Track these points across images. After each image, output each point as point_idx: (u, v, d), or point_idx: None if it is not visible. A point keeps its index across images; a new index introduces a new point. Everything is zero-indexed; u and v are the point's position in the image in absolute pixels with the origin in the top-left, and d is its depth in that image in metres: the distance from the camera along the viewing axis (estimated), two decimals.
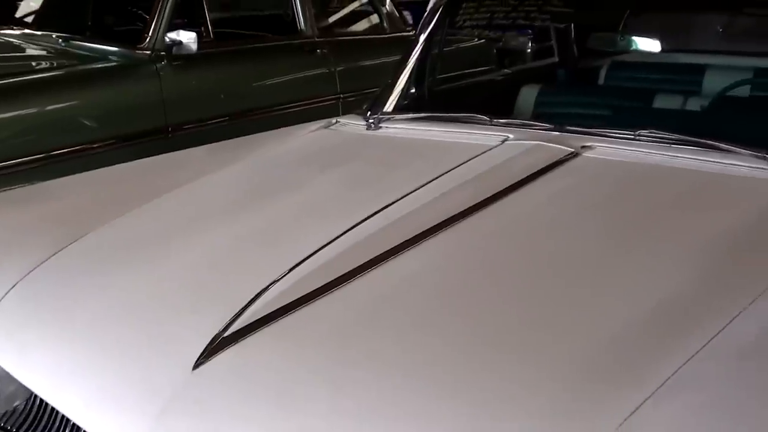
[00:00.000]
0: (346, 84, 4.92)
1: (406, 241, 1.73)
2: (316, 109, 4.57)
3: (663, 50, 3.55)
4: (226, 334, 1.46)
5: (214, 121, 4.20)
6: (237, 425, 1.32)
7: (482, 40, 5.56)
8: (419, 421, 1.27)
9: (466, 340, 1.43)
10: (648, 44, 3.54)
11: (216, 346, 1.44)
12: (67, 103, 3.95)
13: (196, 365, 1.41)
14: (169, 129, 4.06)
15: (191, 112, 4.15)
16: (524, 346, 1.40)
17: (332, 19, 5.76)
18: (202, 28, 4.50)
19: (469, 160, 2.21)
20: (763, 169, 2.10)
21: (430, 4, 3.26)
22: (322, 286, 1.57)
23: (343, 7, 5.96)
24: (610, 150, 2.26)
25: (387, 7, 5.54)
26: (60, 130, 3.84)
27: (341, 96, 4.87)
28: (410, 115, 2.73)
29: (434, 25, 3.12)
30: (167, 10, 4.18)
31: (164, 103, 4.06)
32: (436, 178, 2.09)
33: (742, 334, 1.39)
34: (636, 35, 3.56)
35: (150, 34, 4.18)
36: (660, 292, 1.54)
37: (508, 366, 1.36)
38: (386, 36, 5.47)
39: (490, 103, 2.97)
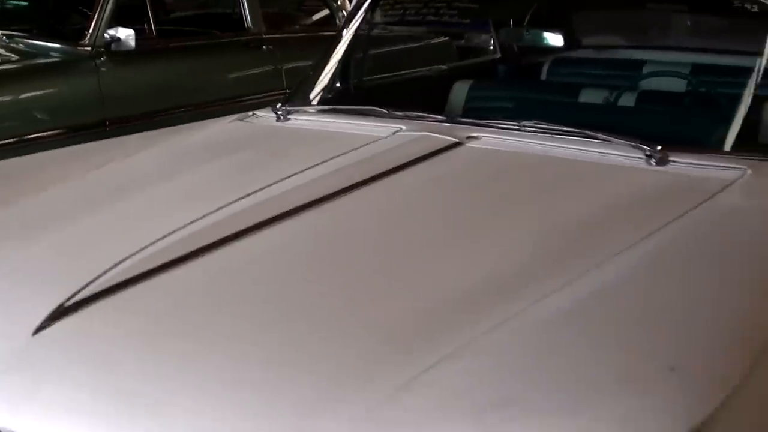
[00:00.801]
0: (293, 79, 4.97)
1: (265, 220, 1.81)
2: (263, 105, 4.61)
3: (567, 45, 3.64)
4: (68, 303, 1.53)
5: (153, 115, 4.27)
6: (67, 388, 1.39)
7: (446, 38, 5.61)
8: (232, 387, 1.35)
9: (292, 312, 1.51)
10: (553, 39, 3.63)
11: (58, 313, 1.51)
12: (7, 97, 4.02)
13: (37, 330, 1.48)
14: (107, 123, 4.14)
15: (129, 106, 4.23)
16: (339, 318, 1.49)
17: (280, 15, 5.83)
18: (145, 26, 4.57)
19: (355, 149, 2.29)
20: (635, 157, 2.19)
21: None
22: (171, 261, 1.65)
23: (293, 4, 6.02)
24: (495, 140, 2.34)
25: (338, 2, 5.61)
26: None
27: (287, 91, 4.92)
28: (317, 108, 2.80)
29: (359, 19, 3.18)
30: (108, 8, 4.26)
31: (102, 97, 4.14)
32: (317, 165, 2.16)
33: (552, 309, 1.46)
34: (542, 29, 3.66)
35: (90, 31, 4.26)
36: (491, 267, 1.62)
37: (323, 335, 1.44)
38: (335, 32, 5.50)
39: (418, 99, 3.04)
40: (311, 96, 3.02)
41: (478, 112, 2.88)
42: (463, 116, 2.81)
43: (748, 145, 2.37)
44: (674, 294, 1.53)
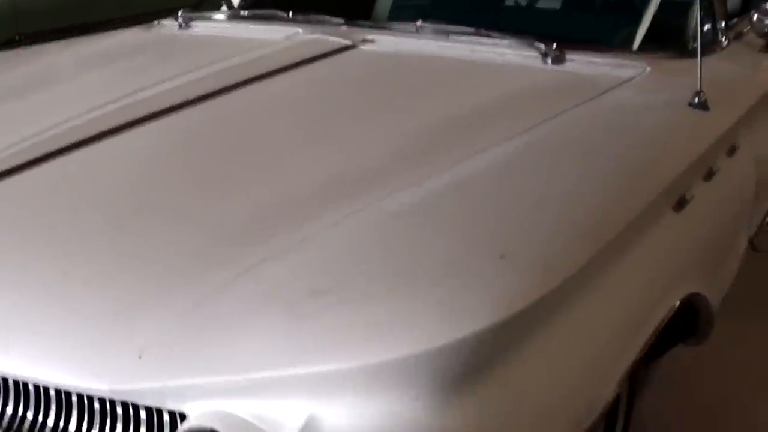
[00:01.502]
0: None
1: (133, 120, 1.77)
2: None
3: None
4: None
5: (66, 30, 4.15)
6: None
7: None
8: (60, 283, 1.32)
9: (136, 209, 1.48)
10: None
11: None
12: None
13: None
14: (20, 38, 4.06)
15: (43, 22, 4.13)
16: (184, 214, 1.46)
17: None
18: None
19: (244, 52, 2.22)
20: (531, 56, 2.14)
21: None
22: (23, 163, 1.60)
23: None
24: (390, 42, 2.28)
25: None
26: None
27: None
28: (221, 15, 2.73)
29: None
30: None
31: (16, 12, 4.05)
32: (201, 67, 2.10)
33: (402, 202, 1.44)
34: None
35: None
36: (353, 163, 1.59)
37: (168, 230, 1.42)
38: None
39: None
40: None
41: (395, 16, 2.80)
42: (371, 20, 2.73)
43: (653, 44, 2.32)
44: (529, 187, 1.50)
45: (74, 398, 1.34)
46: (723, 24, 2.43)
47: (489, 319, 1.14)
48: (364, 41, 2.27)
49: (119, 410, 1.31)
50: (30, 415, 1.38)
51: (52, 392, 1.35)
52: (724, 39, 2.40)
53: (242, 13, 2.70)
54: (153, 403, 1.26)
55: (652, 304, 1.57)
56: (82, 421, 1.35)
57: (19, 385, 1.36)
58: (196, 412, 1.21)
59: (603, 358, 1.41)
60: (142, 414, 1.29)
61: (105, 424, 1.33)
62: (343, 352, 1.13)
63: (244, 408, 1.18)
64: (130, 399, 1.26)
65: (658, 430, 2.36)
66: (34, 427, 1.37)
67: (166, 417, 1.27)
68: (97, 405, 1.33)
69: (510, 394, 1.21)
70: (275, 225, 1.38)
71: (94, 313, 1.29)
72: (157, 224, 1.44)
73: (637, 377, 1.93)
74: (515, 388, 1.22)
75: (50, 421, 1.36)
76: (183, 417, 1.22)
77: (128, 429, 1.30)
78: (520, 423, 1.22)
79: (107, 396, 1.28)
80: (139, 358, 1.22)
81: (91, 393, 1.28)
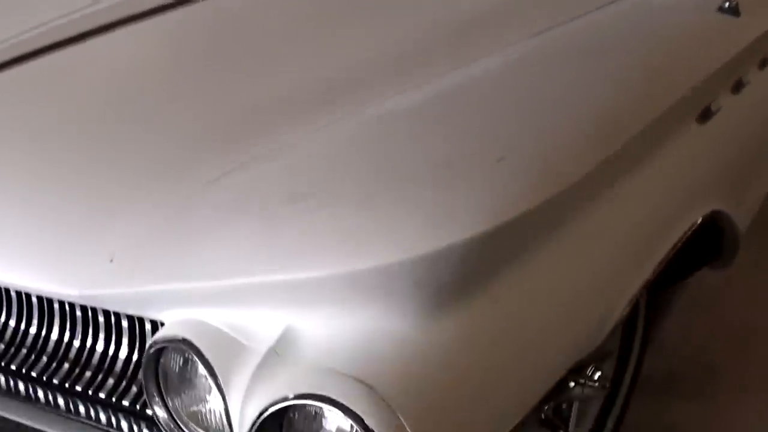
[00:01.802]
0: None
1: (109, 23, 1.68)
2: None
3: None
4: None
5: None
6: None
7: None
8: (37, 182, 1.26)
9: (123, 112, 1.41)
10: None
11: None
12: None
13: None
14: None
15: None
16: (160, 119, 1.39)
17: None
18: None
19: None
20: None
21: None
22: None
23: None
24: None
25: None
26: None
27: None
28: None
29: None
30: None
31: None
32: None
33: (401, 104, 1.34)
34: None
35: None
36: (352, 62, 1.49)
37: (143, 136, 1.35)
38: None
39: None
40: None
41: None
42: None
43: None
44: (537, 89, 1.39)
45: (56, 306, 1.28)
46: None
47: (479, 226, 1.04)
48: None
49: (101, 319, 1.25)
50: (12, 323, 1.33)
51: (34, 299, 1.30)
52: None
53: None
54: (127, 310, 1.20)
55: (671, 220, 1.47)
56: (64, 330, 1.30)
57: (0, 291, 1.30)
58: (171, 321, 1.15)
59: (613, 275, 1.31)
60: (124, 323, 1.24)
61: (87, 334, 1.27)
62: (321, 260, 1.04)
63: (219, 318, 1.11)
64: (99, 305, 1.21)
65: (687, 352, 2.28)
66: (16, 335, 1.32)
67: (148, 326, 1.22)
68: (78, 313, 1.27)
69: (505, 311, 1.12)
70: (255, 131, 1.29)
71: (67, 218, 1.24)
72: (133, 130, 1.36)
73: (661, 298, 1.84)
74: (511, 304, 1.13)
75: (32, 330, 1.32)
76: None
77: (110, 338, 1.25)
78: (516, 342, 1.13)
79: (77, 301, 1.22)
80: (111, 261, 1.16)
81: (62, 298, 1.23)
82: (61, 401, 1.31)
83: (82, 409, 1.30)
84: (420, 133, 1.23)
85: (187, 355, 1.09)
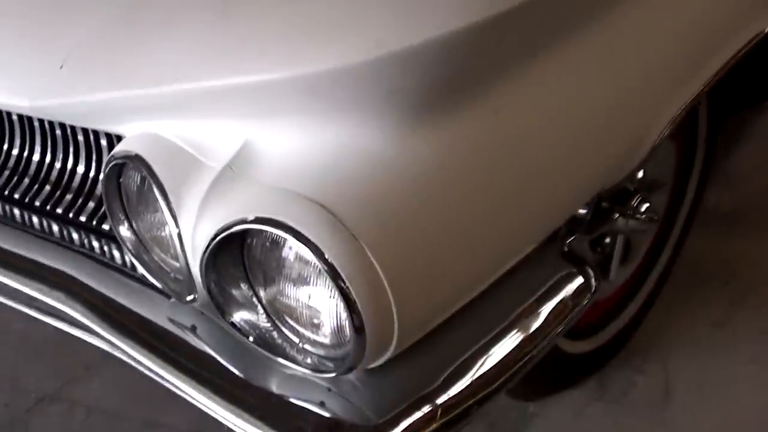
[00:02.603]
0: None
1: None
2: None
3: None
4: None
5: None
6: None
7: None
8: None
9: None
10: None
11: None
12: None
13: None
14: None
15: None
16: None
17: None
18: None
19: None
20: None
21: None
22: None
23: None
24: None
25: None
26: None
27: None
28: None
29: None
30: None
31: None
32: None
33: None
34: None
35: None
36: None
37: None
38: None
39: None
40: None
41: None
42: None
43: None
44: None
45: (36, 124, 1.17)
46: None
47: (467, 17, 0.85)
48: None
49: (58, 132, 1.13)
50: None
51: (14, 117, 1.18)
52: None
53: None
54: (83, 123, 1.07)
55: (730, 26, 1.24)
56: (46, 151, 1.20)
57: None
58: (129, 135, 1.01)
59: (648, 89, 1.11)
60: (103, 142, 1.13)
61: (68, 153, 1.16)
62: (275, 61, 0.87)
63: (178, 132, 0.97)
64: (51, 117, 1.08)
65: (755, 189, 2.12)
66: None
67: (103, 141, 1.17)
68: (58, 132, 1.17)
69: (508, 125, 0.94)
70: None
71: (19, 27, 1.13)
72: None
73: (724, 129, 1.63)
74: (516, 117, 0.95)
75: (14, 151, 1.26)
76: None
77: (91, 157, 1.17)
78: (520, 164, 0.96)
79: (29, 113, 1.09)
80: (60, 68, 1.01)
81: (14, 110, 1.10)
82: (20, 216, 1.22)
83: (37, 223, 1.21)
84: None
85: (143, 173, 0.96)
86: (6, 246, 1.25)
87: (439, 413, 0.96)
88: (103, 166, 1.03)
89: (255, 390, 0.99)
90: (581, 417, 1.59)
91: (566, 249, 1.18)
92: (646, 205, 1.44)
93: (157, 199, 0.95)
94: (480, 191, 0.91)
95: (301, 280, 0.88)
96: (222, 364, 1.02)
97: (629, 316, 1.68)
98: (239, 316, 0.94)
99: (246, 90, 0.89)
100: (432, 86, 0.86)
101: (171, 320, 1.09)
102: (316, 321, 0.90)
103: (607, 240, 1.54)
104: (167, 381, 1.04)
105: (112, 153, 1.00)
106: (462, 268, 0.91)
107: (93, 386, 1.74)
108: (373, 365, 0.91)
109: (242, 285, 0.93)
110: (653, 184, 1.57)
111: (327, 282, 0.83)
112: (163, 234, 0.99)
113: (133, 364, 1.07)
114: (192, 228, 0.92)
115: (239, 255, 0.92)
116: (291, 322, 0.92)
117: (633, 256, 1.61)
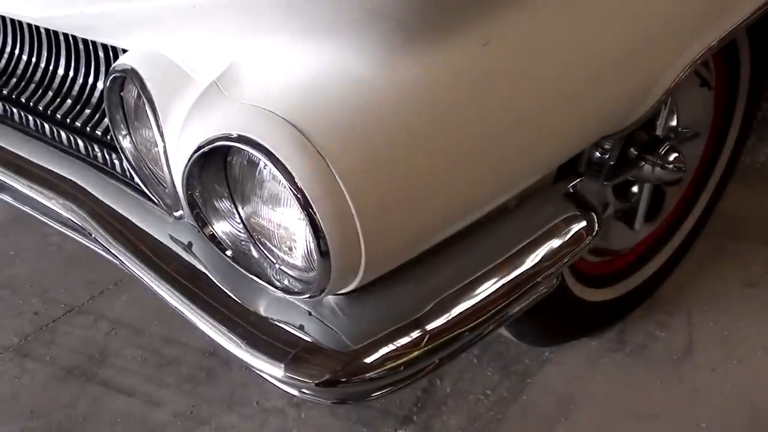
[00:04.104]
0: None
1: None
2: None
3: None
4: None
5: None
6: None
7: None
8: None
9: None
10: None
11: None
12: None
13: None
14: None
15: None
16: None
17: None
18: None
19: None
20: None
21: None
22: None
23: None
24: None
25: None
26: None
27: None
28: None
29: None
30: None
31: None
32: None
33: None
34: None
35: None
36: None
37: None
38: None
39: None
40: None
41: None
42: None
43: None
44: None
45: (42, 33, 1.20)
46: None
47: None
48: None
49: (101, 54, 1.20)
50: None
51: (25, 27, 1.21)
52: None
53: None
54: (84, 34, 1.08)
55: None
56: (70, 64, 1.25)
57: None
58: (131, 49, 1.03)
59: (660, 28, 1.07)
60: (80, 46, 1.19)
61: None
62: None
63: (173, 46, 0.98)
64: (56, 26, 1.10)
65: None
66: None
67: (101, 53, 1.20)
68: (81, 46, 1.23)
69: (499, 58, 0.92)
70: None
71: None
72: None
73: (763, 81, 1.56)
74: (509, 49, 0.92)
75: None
76: None
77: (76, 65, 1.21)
78: (512, 100, 0.93)
79: (35, 23, 1.11)
80: None
81: (24, 19, 1.12)
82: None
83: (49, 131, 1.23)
84: None
85: (138, 87, 0.97)
86: (22, 153, 1.29)
87: (425, 340, 0.96)
88: (105, 77, 1.04)
89: (241, 309, 1.00)
90: (595, 366, 1.57)
91: (570, 191, 1.15)
92: (675, 154, 1.40)
93: (148, 113, 0.95)
94: (463, 123, 0.89)
95: (275, 200, 0.88)
96: (212, 282, 1.03)
97: (654, 269, 1.64)
98: (219, 229, 0.95)
99: (232, 6, 0.88)
100: (413, 9, 0.84)
101: (171, 237, 1.11)
102: (288, 243, 0.90)
103: (635, 189, 1.50)
104: (162, 294, 1.06)
105: (114, 65, 1.01)
106: (441, 201, 0.89)
107: (120, 301, 1.78)
108: (344, 291, 0.91)
109: (225, 200, 0.93)
110: (685, 134, 1.52)
111: (295, 203, 0.82)
112: (156, 149, 1.00)
113: (137, 275, 1.10)
114: (176, 142, 0.92)
115: (222, 171, 0.92)
116: (267, 243, 0.92)
117: (662, 208, 1.57)
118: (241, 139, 0.83)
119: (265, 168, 0.87)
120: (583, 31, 0.96)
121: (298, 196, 0.81)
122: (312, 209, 0.80)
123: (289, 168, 0.80)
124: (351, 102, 0.84)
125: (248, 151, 0.82)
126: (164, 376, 1.61)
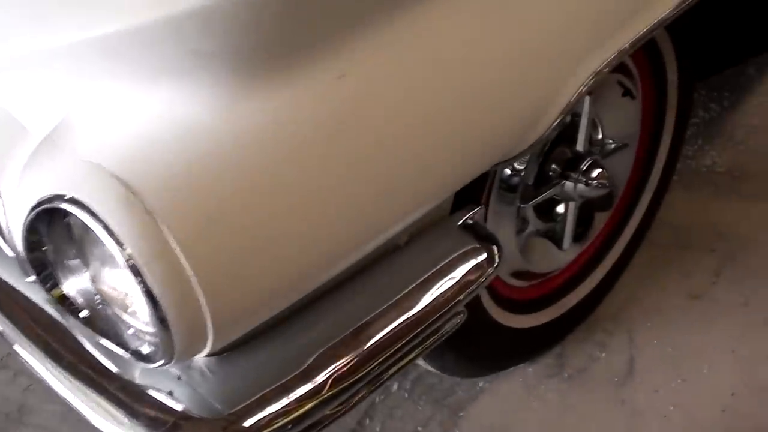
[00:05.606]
0: None
1: None
2: None
3: None
4: None
5: None
6: None
7: None
8: None
9: None
10: None
11: None
12: None
13: None
14: None
15: None
16: None
17: None
18: None
19: None
20: None
21: None
22: None
23: None
24: None
25: None
26: None
27: None
28: None
29: None
30: None
31: None
32: None
33: None
34: None
35: None
36: None
37: None
38: None
39: None
40: None
41: None
42: None
43: None
44: None
45: None
46: None
47: None
48: None
49: None
50: None
51: None
52: None
53: None
54: None
55: None
56: None
57: None
58: None
59: (552, 42, 0.99)
60: None
61: None
62: (78, 22, 0.79)
63: (9, 95, 0.90)
64: None
65: (741, 142, 1.97)
66: None
67: None
68: None
69: (356, 91, 0.84)
70: None
71: None
72: None
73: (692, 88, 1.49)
74: (368, 80, 0.85)
75: None
76: None
77: None
78: (377, 135, 0.86)
79: None
80: None
81: None
82: None
83: None
84: None
85: None
86: None
87: (311, 395, 0.89)
88: None
89: (115, 377, 0.92)
90: (531, 394, 1.49)
91: (469, 222, 1.08)
92: (599, 170, 1.33)
93: None
94: (322, 165, 0.82)
95: (112, 262, 0.80)
96: (86, 349, 0.95)
97: (591, 288, 1.56)
98: (73, 288, 0.87)
99: (59, 53, 0.81)
100: (244, 47, 0.76)
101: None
102: (132, 308, 0.82)
103: (560, 208, 1.43)
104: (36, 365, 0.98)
105: None
106: (298, 253, 0.82)
107: None
108: (205, 353, 0.83)
109: (74, 259, 0.86)
110: (611, 146, 1.45)
111: (126, 267, 0.75)
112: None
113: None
114: (14, 201, 0.85)
115: (66, 229, 0.84)
116: (114, 307, 0.85)
117: (592, 225, 1.49)
118: (64, 198, 0.75)
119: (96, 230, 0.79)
120: (457, 47, 0.89)
121: (128, 259, 0.73)
122: (141, 273, 0.73)
123: (113, 229, 0.73)
124: (189, 153, 0.77)
125: (72, 212, 0.75)
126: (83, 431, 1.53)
